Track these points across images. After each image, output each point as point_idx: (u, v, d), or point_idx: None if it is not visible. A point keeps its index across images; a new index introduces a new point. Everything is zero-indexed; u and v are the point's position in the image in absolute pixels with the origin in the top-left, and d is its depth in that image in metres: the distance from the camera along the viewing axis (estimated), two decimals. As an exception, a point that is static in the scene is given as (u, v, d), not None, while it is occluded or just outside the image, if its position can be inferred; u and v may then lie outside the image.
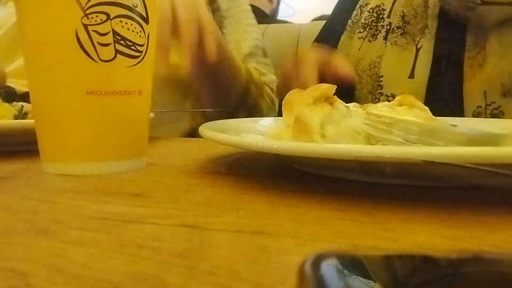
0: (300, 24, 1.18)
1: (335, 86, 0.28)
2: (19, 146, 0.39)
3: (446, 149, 0.21)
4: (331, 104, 0.27)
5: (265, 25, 1.14)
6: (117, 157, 0.31)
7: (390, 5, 0.60)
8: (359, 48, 0.60)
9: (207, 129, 0.31)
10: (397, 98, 0.31)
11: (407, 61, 0.55)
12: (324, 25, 0.77)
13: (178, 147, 0.44)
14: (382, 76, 0.56)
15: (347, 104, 0.29)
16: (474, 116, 0.53)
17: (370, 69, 0.58)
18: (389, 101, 0.31)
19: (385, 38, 0.59)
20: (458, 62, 0.55)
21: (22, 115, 0.44)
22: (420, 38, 0.56)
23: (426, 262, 0.12)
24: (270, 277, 0.14)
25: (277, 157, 0.33)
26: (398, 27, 0.57)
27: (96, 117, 0.30)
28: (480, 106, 0.54)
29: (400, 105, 0.30)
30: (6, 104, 0.43)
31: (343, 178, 0.28)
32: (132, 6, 0.30)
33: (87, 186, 0.27)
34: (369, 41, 0.60)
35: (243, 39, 0.75)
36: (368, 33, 0.60)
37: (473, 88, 0.54)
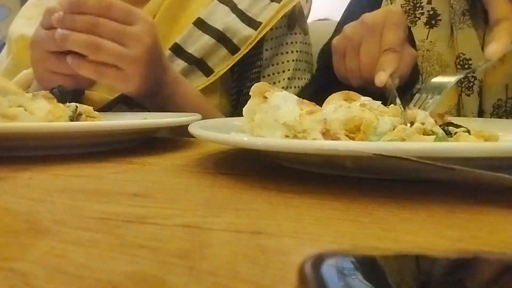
0: (300, 24, 1.18)
1: (270, 85, 0.33)
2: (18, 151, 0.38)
3: (394, 143, 0.25)
4: (265, 98, 0.32)
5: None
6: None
7: None
8: None
9: (196, 128, 0.32)
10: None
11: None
12: (342, 19, 0.75)
13: (178, 147, 0.44)
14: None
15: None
16: (494, 108, 0.55)
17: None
18: None
19: (428, 23, 0.60)
20: None
21: (76, 116, 0.43)
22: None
23: (426, 262, 0.12)
24: (269, 277, 0.14)
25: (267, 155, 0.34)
26: (466, 10, 0.57)
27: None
28: (501, 99, 0.55)
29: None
30: (61, 105, 0.42)
31: (342, 176, 0.28)
32: None
33: (87, 186, 0.27)
34: (408, 26, 0.60)
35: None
36: (407, 19, 0.61)
37: (494, 82, 0.55)
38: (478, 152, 0.22)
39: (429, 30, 0.60)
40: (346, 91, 0.36)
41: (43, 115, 0.39)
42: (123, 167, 0.34)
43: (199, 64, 0.67)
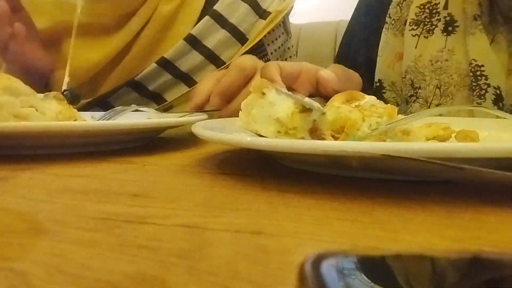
0: (300, 24, 1.18)
1: (269, 83, 0.34)
2: (19, 150, 0.38)
3: (403, 144, 0.25)
4: (263, 94, 0.33)
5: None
6: None
7: None
8: (416, 46, 0.60)
9: (199, 128, 0.32)
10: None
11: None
12: (346, 34, 0.76)
13: (178, 147, 0.44)
14: (479, 66, 0.54)
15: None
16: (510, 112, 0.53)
17: (432, 64, 0.58)
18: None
19: (445, 30, 0.58)
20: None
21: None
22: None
23: (426, 262, 0.12)
24: (270, 277, 0.14)
25: (268, 155, 0.34)
26: (478, 16, 0.55)
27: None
28: None
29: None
30: (71, 106, 0.43)
31: (342, 176, 0.28)
32: None
33: (87, 186, 0.27)
34: (425, 37, 0.59)
35: None
36: (423, 29, 0.59)
37: (510, 84, 0.53)
38: (487, 152, 0.22)
39: (446, 38, 0.58)
40: (350, 91, 0.36)
41: (54, 116, 0.39)
42: (123, 167, 0.34)
43: (184, 78, 0.70)
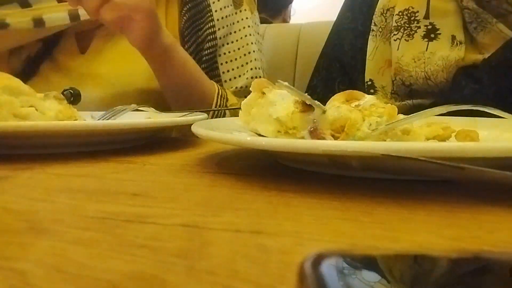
0: (300, 24, 1.18)
1: (269, 82, 0.34)
2: (20, 149, 0.38)
3: (403, 144, 0.25)
4: (263, 93, 0.33)
5: (265, 25, 1.13)
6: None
7: (425, 6, 0.63)
8: (398, 48, 0.64)
9: (199, 127, 0.32)
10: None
11: None
12: (332, 37, 0.77)
13: (178, 147, 0.44)
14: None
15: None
16: None
17: (415, 61, 0.62)
18: None
19: (426, 36, 0.61)
20: None
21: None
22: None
23: (426, 262, 0.12)
24: (269, 277, 0.14)
25: (270, 154, 0.34)
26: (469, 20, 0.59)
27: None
28: None
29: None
30: (71, 106, 0.43)
31: (342, 176, 0.28)
32: None
33: (87, 186, 0.27)
34: (406, 40, 0.63)
35: (240, 72, 0.74)
36: (403, 33, 0.63)
37: None
38: (487, 152, 0.22)
39: (428, 43, 0.61)
40: (350, 90, 0.36)
41: (54, 115, 0.39)
42: (123, 166, 0.34)
43: None
